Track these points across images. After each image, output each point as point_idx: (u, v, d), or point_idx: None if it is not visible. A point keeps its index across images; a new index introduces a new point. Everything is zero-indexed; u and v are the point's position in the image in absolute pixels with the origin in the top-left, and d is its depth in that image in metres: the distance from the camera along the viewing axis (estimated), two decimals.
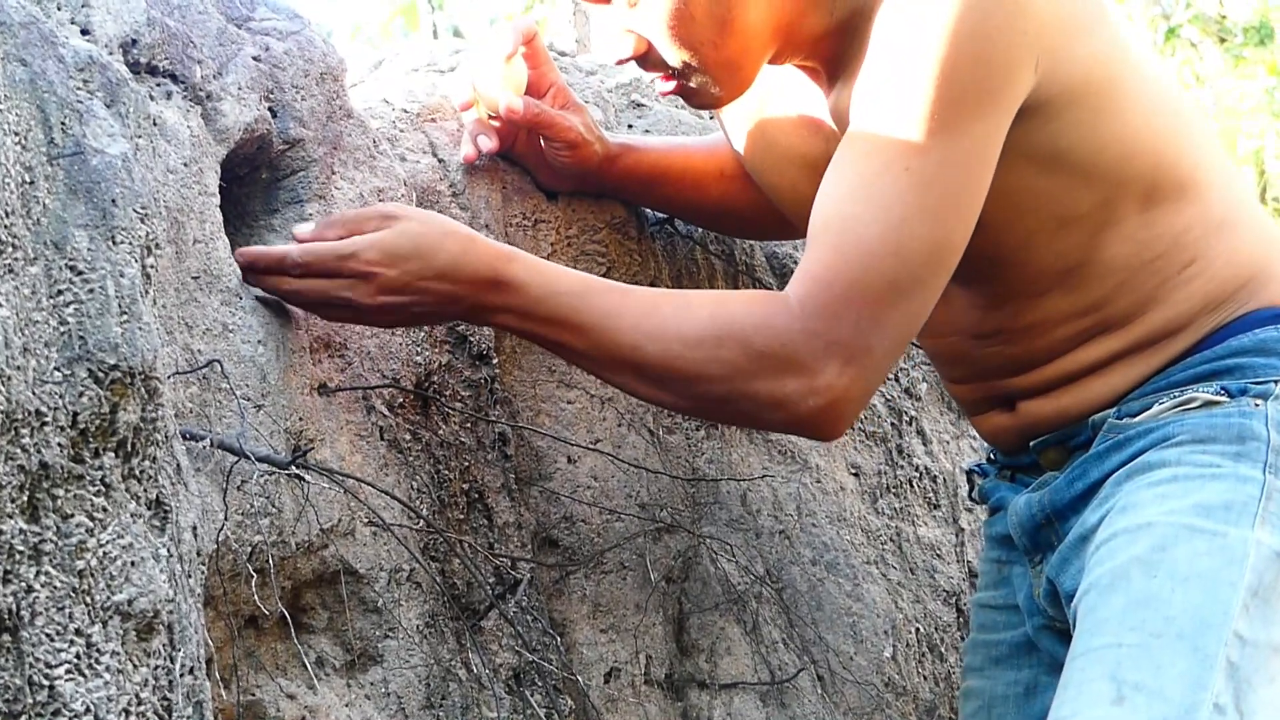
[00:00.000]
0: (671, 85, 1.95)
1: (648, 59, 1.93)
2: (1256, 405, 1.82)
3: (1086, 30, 1.82)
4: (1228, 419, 1.82)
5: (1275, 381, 1.83)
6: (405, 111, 2.19)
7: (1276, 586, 1.72)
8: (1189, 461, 1.81)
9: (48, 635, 1.28)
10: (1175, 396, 1.86)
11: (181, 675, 1.39)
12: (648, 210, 2.37)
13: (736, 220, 2.32)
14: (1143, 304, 1.89)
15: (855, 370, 1.77)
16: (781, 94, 2.03)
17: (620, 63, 1.94)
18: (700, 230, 2.42)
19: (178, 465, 1.46)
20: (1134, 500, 1.81)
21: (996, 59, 1.75)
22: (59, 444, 1.30)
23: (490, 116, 2.15)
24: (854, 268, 1.76)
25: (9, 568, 1.26)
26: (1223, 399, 1.83)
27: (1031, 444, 1.97)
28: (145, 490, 1.38)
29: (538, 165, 2.23)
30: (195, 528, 1.49)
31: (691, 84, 1.94)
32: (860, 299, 1.76)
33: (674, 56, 1.91)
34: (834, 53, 1.91)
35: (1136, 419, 1.87)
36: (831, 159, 1.84)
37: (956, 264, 1.80)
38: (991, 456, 2.09)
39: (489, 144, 2.14)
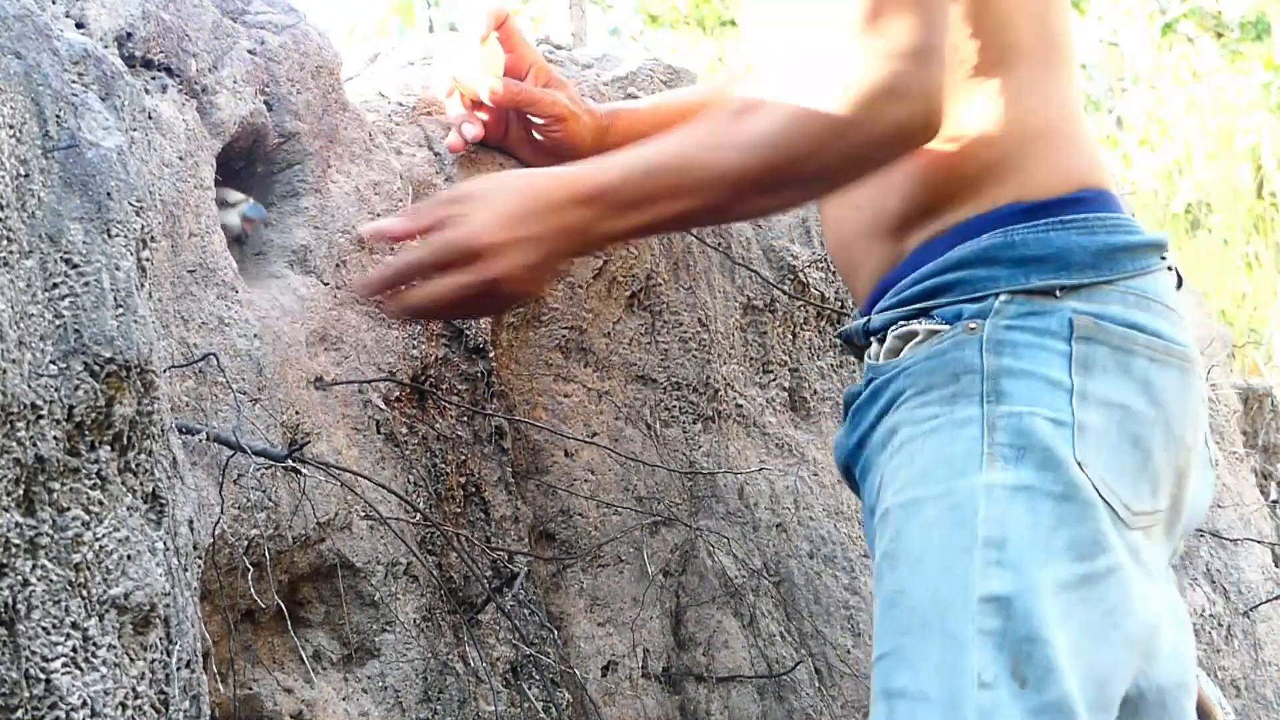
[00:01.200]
0: None
1: None
2: (971, 330, 1.67)
3: None
4: (943, 355, 1.68)
5: (994, 295, 1.67)
6: (401, 105, 2.19)
7: (1030, 522, 1.58)
8: (911, 420, 1.68)
9: (44, 628, 1.28)
10: (903, 326, 1.72)
11: (178, 669, 1.39)
12: None
13: None
14: None
15: (928, 62, 1.61)
16: None
17: None
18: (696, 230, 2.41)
19: (174, 459, 1.46)
20: (882, 481, 1.70)
21: None
22: (55, 437, 1.30)
23: (475, 105, 2.15)
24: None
25: (5, 561, 1.26)
26: (940, 328, 1.69)
27: (837, 335, 1.90)
28: (141, 484, 1.38)
29: (533, 157, 2.22)
30: (192, 521, 1.49)
31: None
32: (885, 12, 1.61)
33: None
34: None
35: (883, 364, 1.73)
36: None
37: None
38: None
39: (473, 131, 2.14)
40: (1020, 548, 1.57)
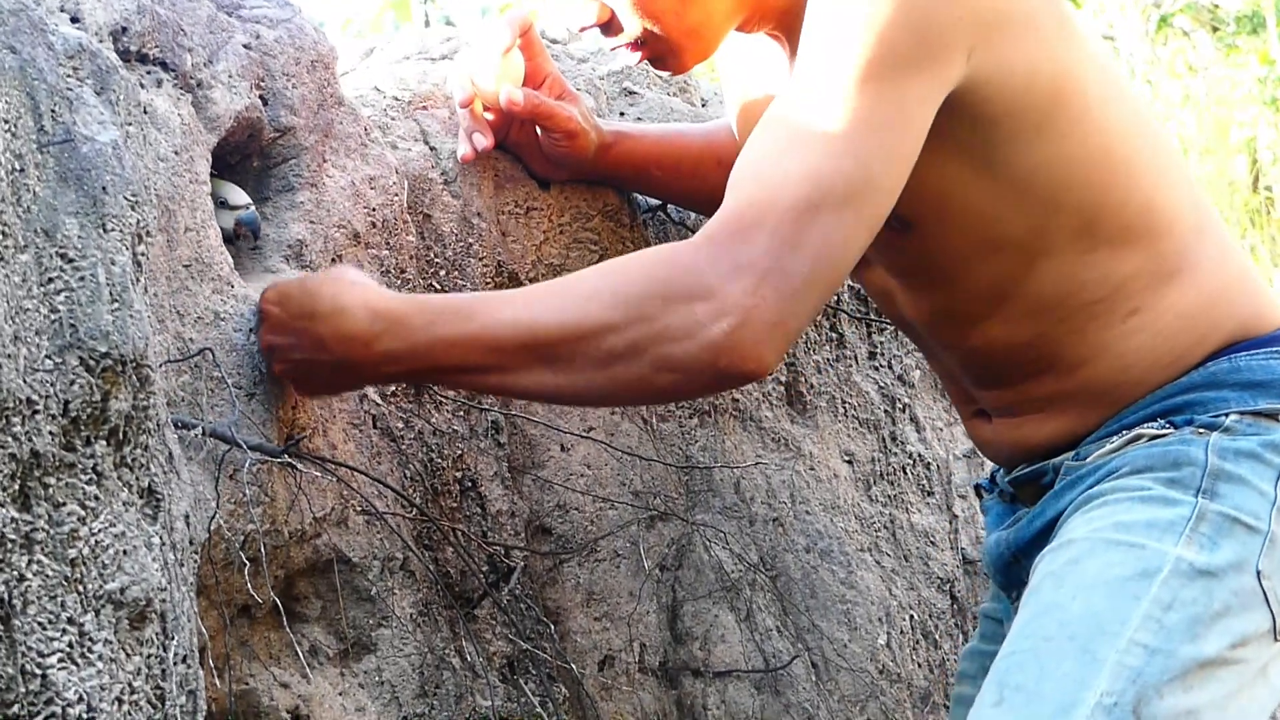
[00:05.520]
0: (636, 56, 1.95)
1: (610, 27, 1.93)
2: (1199, 434, 1.79)
3: (1032, 39, 1.78)
4: (1166, 447, 1.80)
5: (1226, 414, 1.81)
6: (397, 99, 2.19)
7: (1203, 603, 1.70)
8: (1121, 487, 1.80)
9: (40, 624, 1.28)
10: (1125, 435, 1.84)
11: (174, 664, 1.39)
12: (640, 197, 2.37)
13: None
14: (1087, 350, 1.87)
15: (769, 290, 1.66)
16: (772, 76, 2.03)
17: (583, 30, 1.94)
18: (694, 217, 2.41)
19: (170, 454, 1.45)
20: (1066, 527, 1.82)
21: (927, 29, 1.70)
22: (50, 432, 1.30)
23: (484, 109, 2.15)
24: (766, 195, 1.69)
25: (1, 556, 1.26)
26: (1167, 432, 1.82)
27: (1008, 480, 1.98)
28: (137, 479, 1.38)
29: (532, 155, 2.23)
30: (188, 516, 1.49)
31: (654, 51, 1.94)
32: (772, 221, 1.67)
33: (635, 24, 1.90)
34: (795, 24, 1.89)
35: (1089, 461, 1.86)
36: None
37: (884, 214, 1.73)
38: (994, 476, 2.09)
39: (484, 142, 2.14)
40: (1181, 620, 1.69)
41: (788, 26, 1.93)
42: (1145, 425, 1.83)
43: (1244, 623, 1.72)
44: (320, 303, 1.75)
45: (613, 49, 1.96)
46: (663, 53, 1.94)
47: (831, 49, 1.72)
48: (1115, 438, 1.85)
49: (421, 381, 1.93)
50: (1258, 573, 1.73)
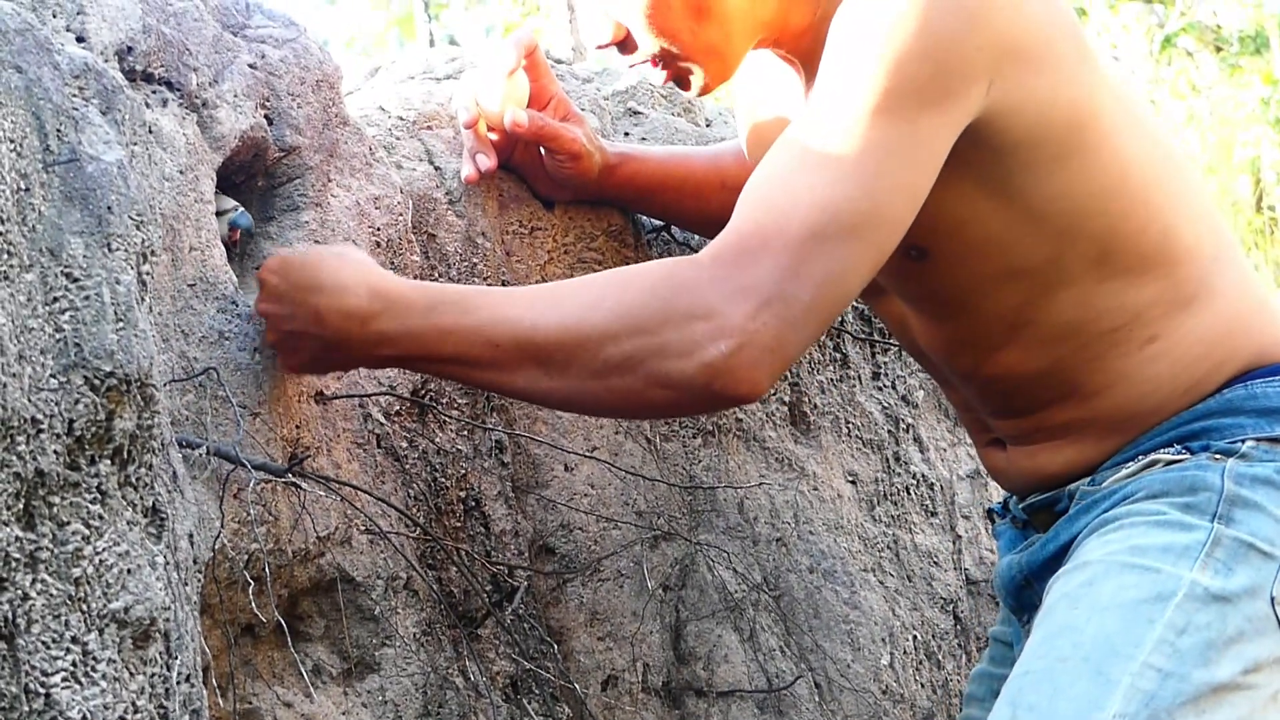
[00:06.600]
0: (659, 74, 1.95)
1: (626, 45, 1.93)
2: (1215, 459, 1.80)
3: (1051, 69, 1.77)
4: (1183, 473, 1.80)
5: (1243, 441, 1.81)
6: (401, 119, 2.19)
7: (1217, 628, 1.70)
8: (1137, 512, 1.80)
9: (44, 643, 1.28)
10: (1141, 461, 1.85)
11: (178, 683, 1.38)
12: (644, 218, 2.37)
13: None
14: (1105, 378, 1.87)
15: (771, 316, 1.65)
16: (785, 98, 2.04)
17: (600, 48, 1.94)
18: (697, 238, 2.42)
19: (174, 473, 1.45)
20: (1081, 550, 1.82)
21: (947, 61, 1.70)
22: (55, 451, 1.30)
23: (489, 129, 2.16)
24: (774, 220, 1.68)
25: (5, 575, 1.26)
26: (1184, 457, 1.82)
27: (1022, 506, 1.98)
28: (141, 498, 1.38)
29: (536, 175, 2.23)
30: (192, 535, 1.49)
31: (675, 71, 1.94)
32: (778, 246, 1.66)
33: (651, 43, 1.91)
34: (812, 48, 1.90)
35: (1104, 485, 1.87)
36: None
37: (892, 247, 1.72)
38: (1006, 502, 2.09)
39: (488, 163, 2.14)
40: (1195, 644, 1.68)
41: (805, 50, 1.93)
42: (1161, 451, 1.84)
43: (1257, 648, 1.71)
44: (322, 276, 1.74)
45: (630, 66, 1.96)
46: (682, 72, 1.94)
47: (850, 77, 1.72)
48: (1131, 463, 1.85)
49: (412, 367, 1.91)
50: (1272, 599, 1.73)
